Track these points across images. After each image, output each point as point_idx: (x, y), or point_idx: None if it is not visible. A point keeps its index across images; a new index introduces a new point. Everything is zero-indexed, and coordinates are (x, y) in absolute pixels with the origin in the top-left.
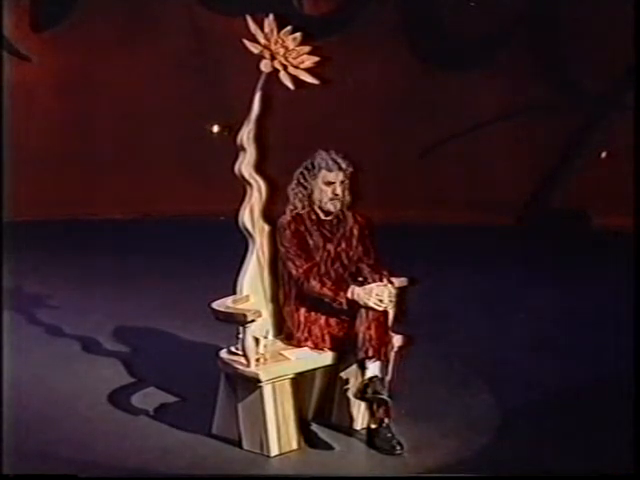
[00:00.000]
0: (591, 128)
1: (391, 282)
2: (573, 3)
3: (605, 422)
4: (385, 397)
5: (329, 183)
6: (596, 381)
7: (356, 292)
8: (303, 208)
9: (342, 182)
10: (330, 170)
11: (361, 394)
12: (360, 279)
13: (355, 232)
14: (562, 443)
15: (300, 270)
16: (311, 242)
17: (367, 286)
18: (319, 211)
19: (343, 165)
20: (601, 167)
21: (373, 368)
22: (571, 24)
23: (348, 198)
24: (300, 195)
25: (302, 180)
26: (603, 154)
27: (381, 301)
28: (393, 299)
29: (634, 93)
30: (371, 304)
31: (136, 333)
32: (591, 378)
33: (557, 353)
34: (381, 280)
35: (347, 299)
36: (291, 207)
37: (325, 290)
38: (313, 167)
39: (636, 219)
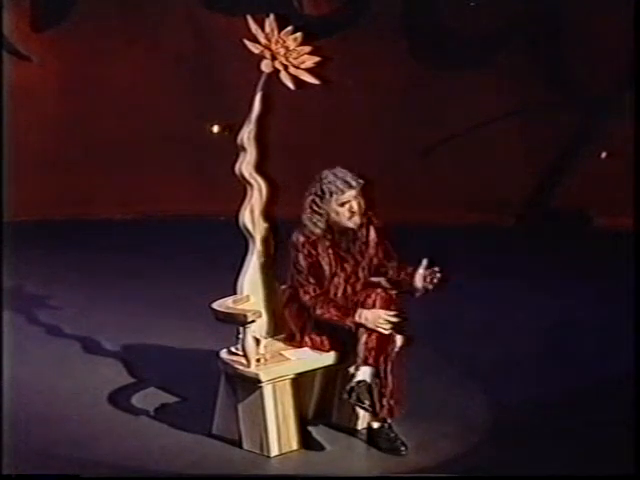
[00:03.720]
0: (591, 128)
1: (412, 282)
2: (573, 3)
3: (605, 422)
4: (366, 407)
5: (343, 204)
6: (596, 381)
7: (364, 316)
8: (317, 227)
9: (355, 197)
10: (342, 192)
11: (347, 396)
12: (386, 278)
13: (372, 239)
14: (562, 443)
15: (307, 297)
16: (325, 266)
17: (374, 310)
18: (335, 231)
19: (353, 183)
20: (601, 167)
21: (363, 373)
22: (571, 24)
23: (364, 207)
24: (318, 222)
25: (315, 207)
26: (603, 154)
27: (386, 326)
28: (402, 320)
29: (634, 93)
30: (380, 329)
31: (136, 333)
32: (591, 378)
33: (557, 353)
34: (406, 277)
35: (355, 323)
36: (306, 232)
37: (332, 317)
38: (323, 193)
39: (636, 219)
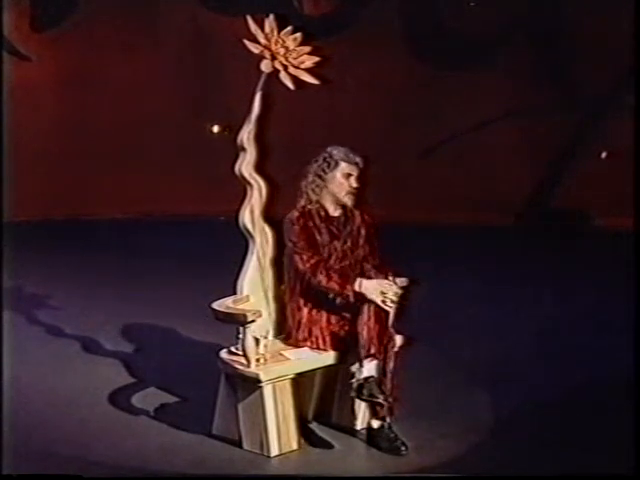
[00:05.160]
0: (591, 128)
1: (395, 283)
2: (573, 3)
3: (605, 422)
4: (381, 401)
5: (348, 175)
6: (596, 381)
7: (364, 285)
8: (317, 202)
9: (357, 177)
10: (349, 162)
11: (357, 394)
12: (366, 276)
13: (362, 231)
14: (562, 443)
15: (307, 264)
16: (318, 238)
17: (374, 280)
18: (329, 207)
19: (357, 160)
20: (601, 167)
21: (369, 368)
22: (571, 24)
23: (359, 195)
24: (316, 188)
25: (320, 172)
26: (603, 154)
27: (385, 300)
28: (397, 298)
29: (634, 93)
30: (378, 301)
31: (136, 333)
32: (591, 378)
33: (557, 353)
34: (386, 279)
35: (354, 292)
36: (302, 202)
37: (332, 284)
38: (332, 159)
39: (636, 219)
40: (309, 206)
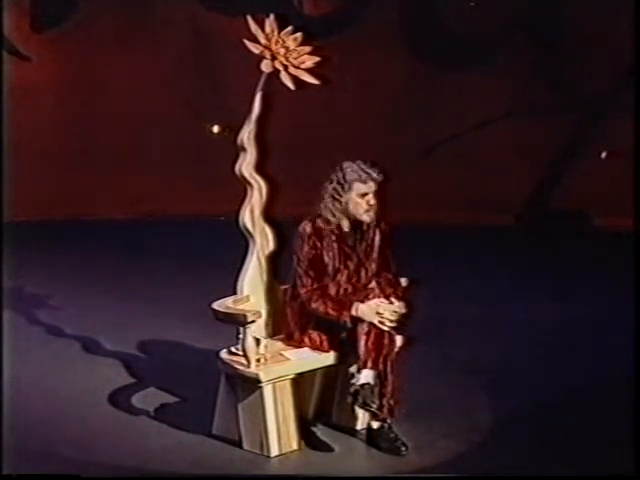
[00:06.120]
0: (591, 128)
1: (405, 299)
2: (573, 3)
3: (605, 422)
4: (374, 409)
5: (363, 195)
6: (596, 381)
7: (360, 309)
8: (334, 217)
9: (375, 192)
10: (364, 182)
11: (353, 399)
12: (374, 290)
13: (376, 243)
14: (562, 443)
15: (304, 290)
16: (327, 259)
17: (371, 303)
18: (344, 223)
19: (374, 175)
20: (601, 167)
21: (366, 375)
22: (571, 24)
23: (377, 207)
24: (335, 211)
25: (336, 195)
26: (603, 154)
27: (382, 321)
28: (397, 316)
29: (634, 93)
30: (375, 321)
31: (136, 333)
32: (591, 378)
33: (557, 353)
34: (394, 294)
35: (351, 316)
36: (318, 220)
37: (329, 310)
38: (345, 181)
39: (636, 219)
40: (324, 225)
